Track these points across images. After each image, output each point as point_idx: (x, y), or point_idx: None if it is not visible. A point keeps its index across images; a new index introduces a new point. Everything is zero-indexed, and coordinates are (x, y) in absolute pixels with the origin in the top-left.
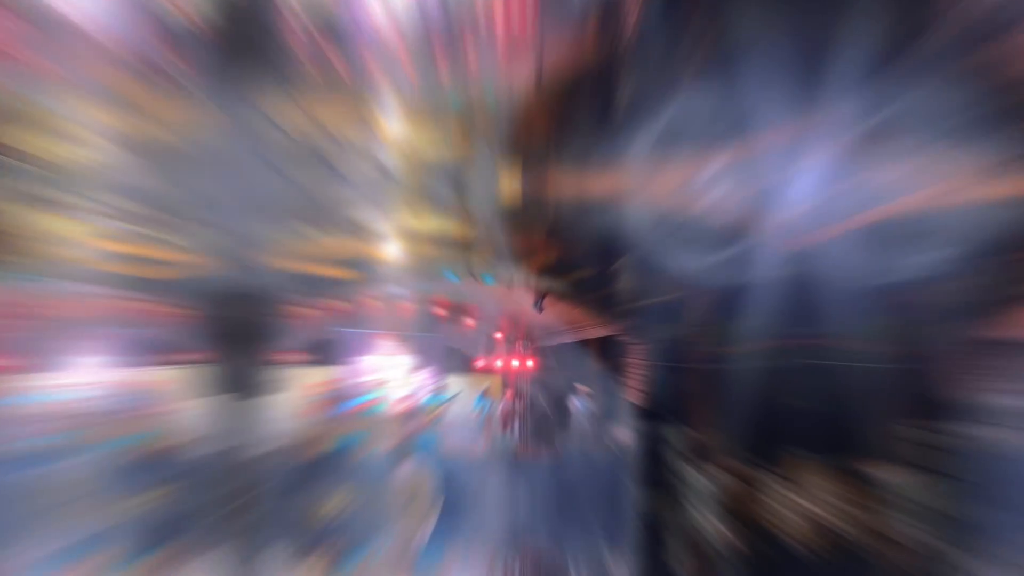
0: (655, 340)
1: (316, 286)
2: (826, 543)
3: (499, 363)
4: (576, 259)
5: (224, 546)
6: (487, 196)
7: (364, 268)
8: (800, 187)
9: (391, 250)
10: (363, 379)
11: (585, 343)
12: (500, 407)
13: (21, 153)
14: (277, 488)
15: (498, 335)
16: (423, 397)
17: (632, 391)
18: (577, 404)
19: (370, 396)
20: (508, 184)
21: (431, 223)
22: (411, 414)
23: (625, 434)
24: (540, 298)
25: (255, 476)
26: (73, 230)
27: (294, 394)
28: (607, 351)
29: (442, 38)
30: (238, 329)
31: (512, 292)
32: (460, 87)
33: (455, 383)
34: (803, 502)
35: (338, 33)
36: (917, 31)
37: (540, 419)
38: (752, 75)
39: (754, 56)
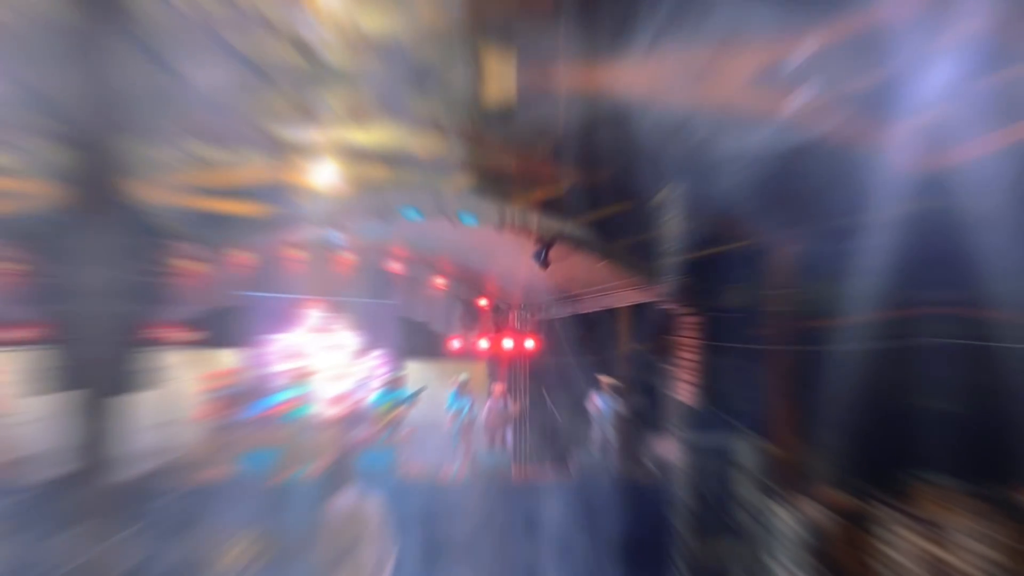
0: (716, 310)
1: (212, 229)
2: None
3: (484, 344)
4: (598, 189)
5: None
6: (464, 94)
7: (282, 202)
8: (934, 81)
9: (322, 174)
10: (280, 368)
11: (611, 314)
12: (486, 409)
13: None
14: (155, 528)
15: (482, 302)
16: (371, 394)
17: (681, 385)
18: (599, 404)
19: (291, 393)
20: (496, 76)
21: (381, 134)
22: (353, 420)
23: (671, 449)
24: (545, 247)
25: (123, 511)
26: None
27: (179, 390)
28: (644, 326)
29: None
30: (96, 292)
31: (503, 238)
32: None
33: (419, 373)
34: (936, 550)
35: None
36: None
37: (545, 426)
38: None
39: None
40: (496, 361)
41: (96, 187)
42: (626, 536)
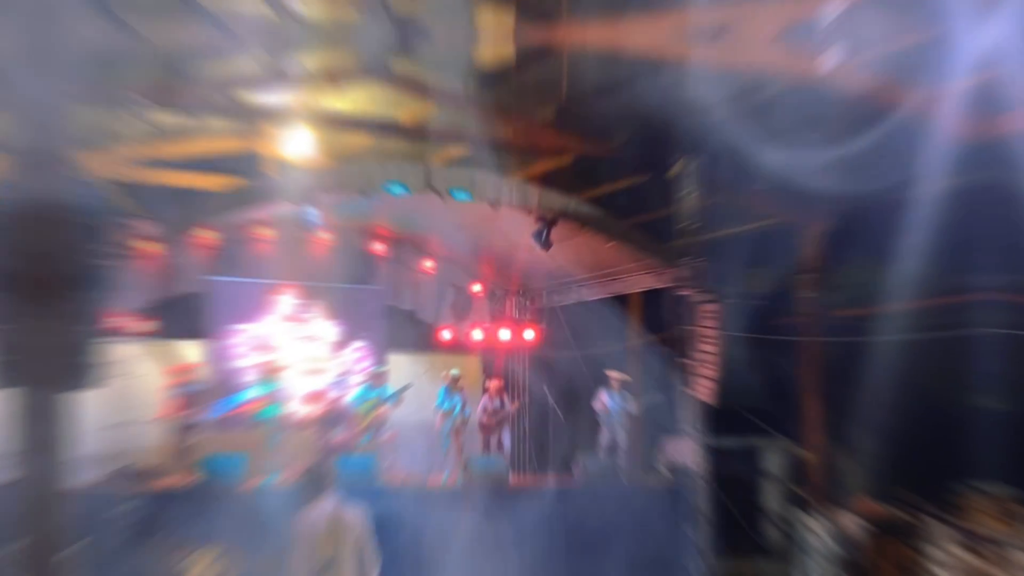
0: (739, 296)
1: (172, 205)
2: None
3: (478, 335)
4: (607, 160)
5: None
6: (456, 53)
7: (250, 175)
8: (983, 41)
9: (296, 144)
10: (248, 362)
11: (622, 301)
12: (480, 408)
13: None
14: (106, 544)
15: (476, 287)
16: (350, 392)
17: (700, 381)
18: (607, 402)
19: (260, 390)
20: (492, 33)
21: (362, 99)
22: (330, 420)
23: (688, 453)
24: (547, 226)
25: (67, 524)
26: None
27: (136, 387)
28: (658, 315)
29: None
30: (32, 277)
31: (500, 215)
32: None
33: (404, 368)
34: (989, 567)
35: None
36: None
37: (546, 427)
38: None
39: None
40: (491, 354)
41: (41, 159)
42: (638, 551)
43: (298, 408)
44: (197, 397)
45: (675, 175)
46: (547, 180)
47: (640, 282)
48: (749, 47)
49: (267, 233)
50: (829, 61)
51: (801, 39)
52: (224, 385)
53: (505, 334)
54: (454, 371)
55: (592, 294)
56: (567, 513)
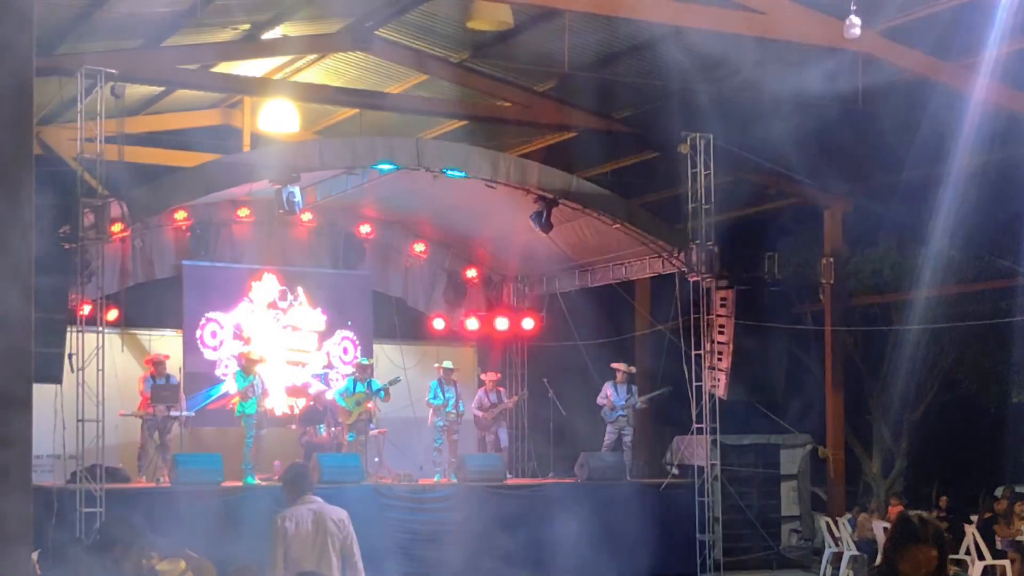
0: (755, 282)
1: (143, 184)
2: None
3: (472, 323)
4: (613, 135)
5: None
6: (450, 16)
7: (228, 151)
8: (1016, 6)
9: (277, 118)
10: (225, 353)
11: (628, 288)
12: (475, 402)
13: None
14: (73, 547)
15: (471, 273)
16: (335, 385)
17: (712, 373)
18: (612, 396)
19: (238, 383)
20: None
21: (348, 68)
22: (313, 416)
23: (699, 450)
24: (547, 207)
25: (31, 527)
26: None
27: (103, 380)
28: (667, 302)
29: None
30: (1, 263)
31: (496, 195)
32: None
33: (393, 359)
34: None
35: None
36: None
37: (547, 422)
38: None
39: None
40: (488, 345)
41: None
42: (644, 556)
43: (279, 402)
44: (171, 391)
45: (687, 152)
46: (548, 156)
47: (647, 267)
48: (769, 13)
49: (246, 214)
50: (853, 29)
51: (824, 6)
52: (200, 378)
53: (502, 323)
54: (447, 363)
55: (596, 280)
56: (569, 514)
